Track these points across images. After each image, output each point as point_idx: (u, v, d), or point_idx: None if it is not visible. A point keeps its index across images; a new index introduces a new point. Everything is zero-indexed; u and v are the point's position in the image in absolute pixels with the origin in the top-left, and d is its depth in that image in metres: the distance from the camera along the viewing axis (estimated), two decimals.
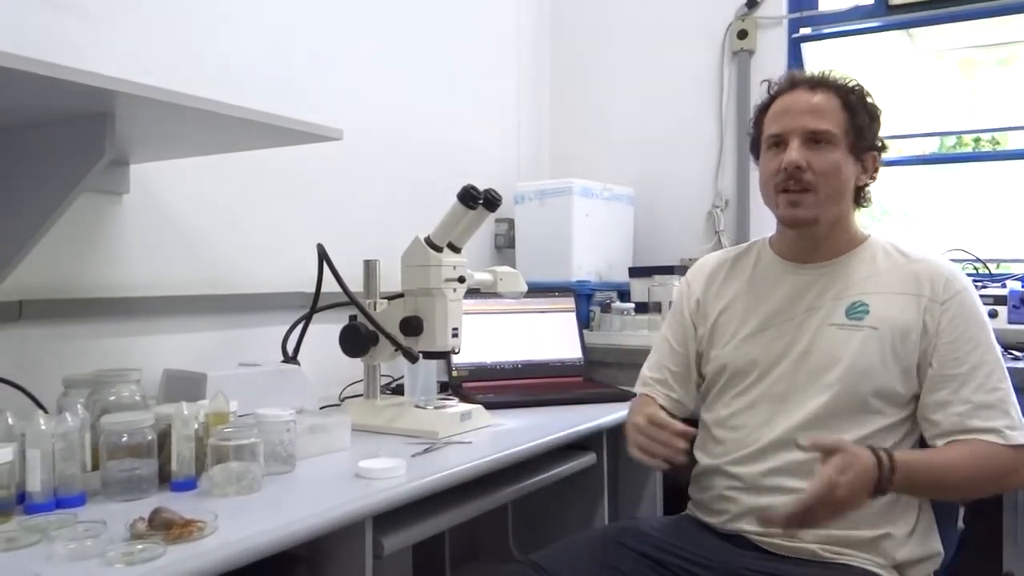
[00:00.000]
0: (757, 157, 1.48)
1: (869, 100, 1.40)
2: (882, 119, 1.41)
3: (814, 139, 1.35)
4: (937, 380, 1.30)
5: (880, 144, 1.42)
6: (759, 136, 1.45)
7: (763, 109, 1.45)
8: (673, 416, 1.43)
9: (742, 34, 2.62)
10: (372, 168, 2.19)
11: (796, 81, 1.41)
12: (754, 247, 1.54)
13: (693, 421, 1.53)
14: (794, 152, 1.34)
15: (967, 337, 1.30)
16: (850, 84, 1.39)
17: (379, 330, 1.58)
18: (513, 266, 2.08)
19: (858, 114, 1.37)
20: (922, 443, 1.34)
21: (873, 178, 1.42)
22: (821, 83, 1.39)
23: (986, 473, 1.26)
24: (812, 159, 1.34)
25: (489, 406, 1.69)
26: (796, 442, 1.21)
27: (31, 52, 0.97)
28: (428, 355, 1.63)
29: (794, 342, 1.39)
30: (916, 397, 1.33)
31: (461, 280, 1.61)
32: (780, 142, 1.38)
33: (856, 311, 1.36)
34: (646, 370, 1.60)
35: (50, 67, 0.97)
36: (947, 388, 1.29)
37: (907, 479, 1.19)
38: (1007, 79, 2.65)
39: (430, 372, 1.78)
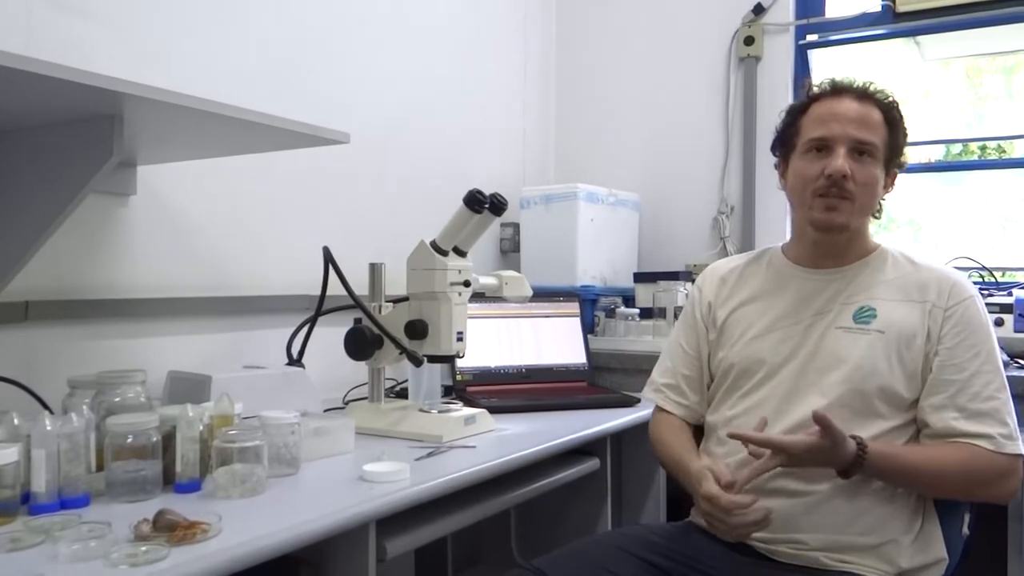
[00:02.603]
0: (780, 155, 1.47)
1: (904, 118, 1.41)
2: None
3: (859, 150, 1.35)
4: (935, 384, 1.31)
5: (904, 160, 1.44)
6: (792, 136, 1.43)
7: (801, 110, 1.43)
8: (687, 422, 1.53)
9: (749, 40, 2.62)
10: (378, 172, 2.20)
11: (842, 88, 1.40)
12: (766, 254, 1.55)
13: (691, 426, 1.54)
14: (840, 160, 1.34)
15: (968, 344, 1.32)
16: (891, 100, 1.40)
17: (384, 333, 1.58)
18: (518, 270, 2.08)
19: (897, 131, 1.39)
20: None
21: (890, 191, 1.44)
22: (867, 95, 1.38)
23: (973, 477, 1.27)
24: (856, 170, 1.34)
25: (493, 410, 1.69)
26: (813, 412, 1.22)
27: (39, 54, 0.98)
28: (433, 359, 1.63)
29: (801, 344, 1.39)
30: (918, 402, 1.34)
31: (466, 284, 1.61)
32: (824, 147, 1.37)
33: (863, 315, 1.37)
34: (657, 375, 1.60)
35: (59, 69, 0.97)
36: (944, 393, 1.30)
37: (879, 472, 1.27)
38: (1013, 87, 2.64)
39: (434, 376, 1.79)
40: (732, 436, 1.31)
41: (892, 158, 1.39)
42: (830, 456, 1.24)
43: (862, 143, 1.34)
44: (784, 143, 1.46)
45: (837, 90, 1.40)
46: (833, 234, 1.40)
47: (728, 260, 1.62)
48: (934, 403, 1.31)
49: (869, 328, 1.35)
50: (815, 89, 1.43)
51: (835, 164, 1.33)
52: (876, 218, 1.46)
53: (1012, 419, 1.29)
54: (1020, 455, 1.27)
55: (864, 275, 1.41)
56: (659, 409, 1.58)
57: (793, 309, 1.43)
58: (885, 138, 1.37)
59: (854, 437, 1.25)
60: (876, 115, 1.37)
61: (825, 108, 1.39)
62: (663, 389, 1.57)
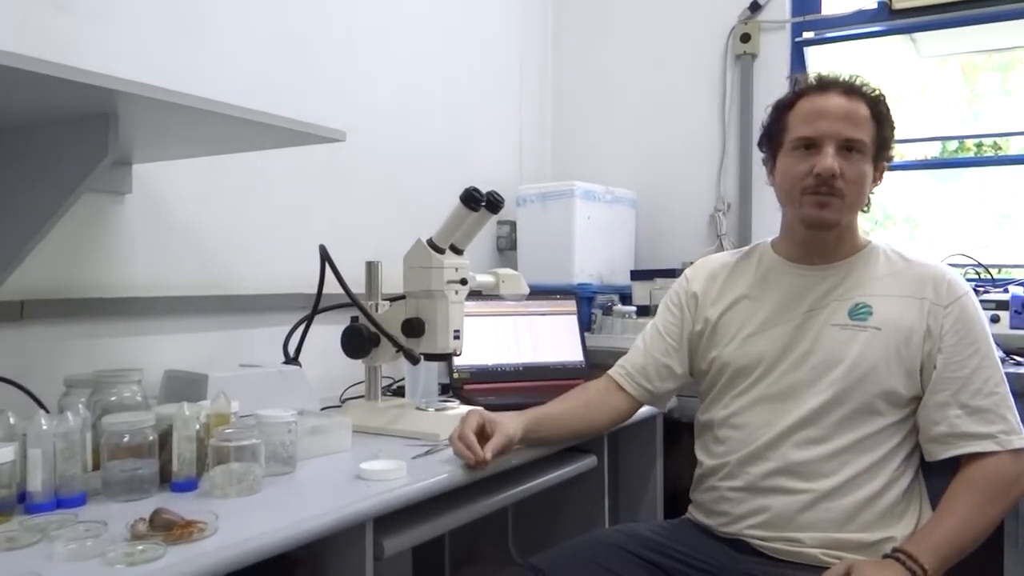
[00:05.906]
0: (768, 151, 1.46)
1: (891, 111, 1.40)
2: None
3: (848, 147, 1.33)
4: (938, 382, 1.32)
5: (892, 154, 1.43)
6: (779, 133, 1.41)
7: (788, 106, 1.41)
8: (640, 403, 1.56)
9: (745, 38, 2.62)
10: (375, 170, 2.19)
11: (828, 83, 1.38)
12: (756, 250, 1.54)
13: (689, 424, 1.54)
14: (829, 159, 1.32)
15: (968, 341, 1.32)
16: (878, 94, 1.38)
17: (381, 331, 1.58)
18: (515, 268, 2.08)
19: (884, 126, 1.38)
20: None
21: (878, 184, 1.43)
22: (854, 90, 1.36)
23: (1001, 494, 1.27)
24: (844, 167, 1.33)
25: (490, 408, 1.68)
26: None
27: (34, 52, 0.97)
28: (429, 357, 1.62)
29: (796, 341, 1.39)
30: (916, 399, 1.34)
31: (463, 282, 1.61)
32: (812, 145, 1.35)
33: (859, 312, 1.37)
34: (627, 355, 1.59)
35: (54, 67, 0.97)
36: (947, 391, 1.31)
37: (943, 564, 1.22)
38: (1009, 84, 2.65)
39: (431, 374, 1.78)
40: None
41: (880, 152, 1.38)
42: None
43: (851, 141, 1.33)
44: (771, 139, 1.44)
45: (824, 85, 1.38)
46: (823, 231, 1.39)
47: (718, 256, 1.60)
48: (938, 400, 1.31)
49: (866, 325, 1.35)
50: (802, 85, 1.41)
51: (824, 163, 1.32)
52: (864, 212, 1.45)
53: (1013, 414, 1.30)
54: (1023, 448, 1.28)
55: (856, 271, 1.41)
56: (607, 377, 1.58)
57: (785, 306, 1.43)
58: (873, 134, 1.35)
59: (895, 553, 1.22)
60: (863, 110, 1.35)
61: (812, 105, 1.37)
62: (624, 364, 1.56)
